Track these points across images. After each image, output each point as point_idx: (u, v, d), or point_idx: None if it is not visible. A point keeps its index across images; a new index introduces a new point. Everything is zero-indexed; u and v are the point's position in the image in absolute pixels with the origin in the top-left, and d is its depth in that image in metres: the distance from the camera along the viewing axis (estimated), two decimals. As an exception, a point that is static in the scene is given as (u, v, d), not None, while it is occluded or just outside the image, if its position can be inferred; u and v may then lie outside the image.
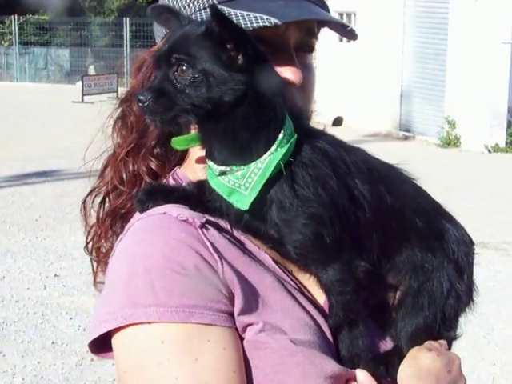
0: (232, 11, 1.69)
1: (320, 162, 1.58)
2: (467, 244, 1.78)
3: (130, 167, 1.86)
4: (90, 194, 1.95)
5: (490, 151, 18.98)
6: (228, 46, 1.53)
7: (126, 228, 1.69)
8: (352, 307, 1.62)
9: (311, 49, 1.83)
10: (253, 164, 1.55)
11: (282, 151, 1.55)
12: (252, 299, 1.58)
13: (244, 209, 1.56)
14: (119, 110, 1.91)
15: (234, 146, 1.57)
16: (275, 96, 1.58)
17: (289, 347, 1.56)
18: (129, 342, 1.55)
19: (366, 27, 19.70)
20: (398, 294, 1.72)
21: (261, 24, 1.64)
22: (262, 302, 1.59)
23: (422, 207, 1.74)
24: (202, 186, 1.66)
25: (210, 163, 1.61)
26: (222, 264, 1.57)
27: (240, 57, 1.53)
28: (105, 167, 1.93)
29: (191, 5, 1.75)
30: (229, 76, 1.52)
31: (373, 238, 1.65)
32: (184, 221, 1.61)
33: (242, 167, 1.56)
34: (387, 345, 1.73)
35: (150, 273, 1.54)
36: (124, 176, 1.87)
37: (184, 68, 1.54)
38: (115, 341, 1.57)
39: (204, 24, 1.57)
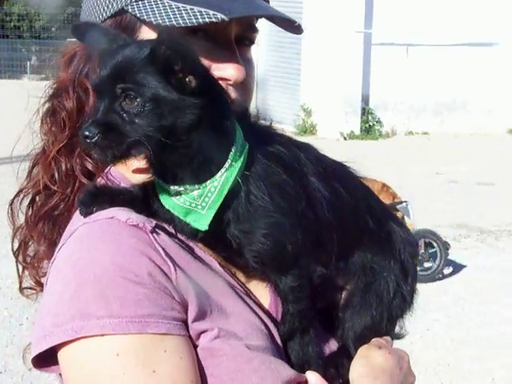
0: (173, 4, 1.61)
1: (275, 168, 1.53)
2: (412, 245, 1.79)
3: (63, 166, 1.74)
4: (17, 194, 1.83)
5: (345, 138, 19.39)
6: (177, 68, 1.44)
7: (67, 233, 1.58)
8: (306, 314, 1.59)
9: (252, 42, 1.77)
10: (209, 182, 1.50)
11: (236, 166, 1.50)
12: (206, 305, 1.51)
13: (203, 229, 1.50)
14: (47, 105, 1.79)
15: (188, 168, 1.50)
16: (227, 113, 1.52)
17: (245, 353, 1.51)
18: (80, 357, 1.45)
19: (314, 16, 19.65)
20: (345, 294, 1.70)
21: (207, 20, 1.56)
22: (216, 308, 1.53)
23: (372, 207, 1.73)
24: (147, 188, 1.58)
25: (162, 184, 1.53)
26: (175, 270, 1.49)
27: (192, 79, 1.45)
28: (33, 166, 1.81)
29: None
30: (182, 101, 1.44)
31: (332, 238, 1.62)
32: (134, 225, 1.52)
33: (198, 186, 1.50)
34: (332, 347, 1.70)
35: (101, 281, 1.45)
36: (56, 175, 1.75)
37: (132, 97, 1.44)
38: (64, 355, 1.47)
39: (147, 46, 1.47)
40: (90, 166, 1.73)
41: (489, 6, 18.83)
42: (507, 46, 19.21)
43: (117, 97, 1.44)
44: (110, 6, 1.69)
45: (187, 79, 1.44)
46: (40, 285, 1.86)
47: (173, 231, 1.57)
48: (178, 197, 1.51)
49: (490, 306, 8.01)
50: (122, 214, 1.52)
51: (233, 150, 1.50)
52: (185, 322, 1.48)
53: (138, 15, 1.63)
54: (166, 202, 1.52)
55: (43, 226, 1.79)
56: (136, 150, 1.46)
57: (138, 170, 1.62)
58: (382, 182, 8.95)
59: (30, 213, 1.80)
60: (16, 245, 1.85)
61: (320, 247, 1.60)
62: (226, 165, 1.49)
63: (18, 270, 1.87)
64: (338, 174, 1.66)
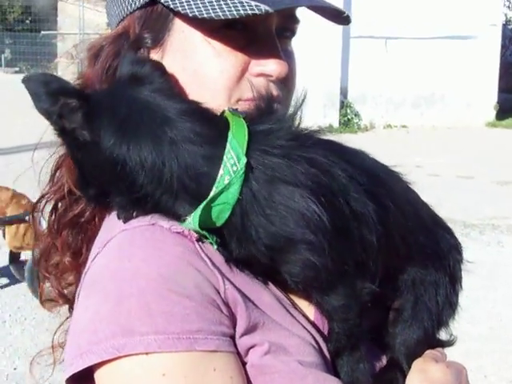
0: None
1: (289, 178, 1.35)
2: (459, 250, 1.68)
3: None
4: (39, 200, 1.69)
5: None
6: None
7: (101, 241, 1.45)
8: (355, 332, 1.47)
9: (293, 34, 1.64)
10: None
11: (212, 195, 1.34)
12: (255, 318, 1.39)
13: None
14: None
15: None
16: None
17: (298, 370, 1.39)
18: (122, 377, 1.31)
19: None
20: (395, 309, 1.60)
21: (249, 12, 1.42)
22: (265, 321, 1.41)
23: (422, 219, 1.60)
24: None
25: None
26: (223, 281, 1.37)
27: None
28: (56, 169, 1.67)
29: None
30: None
31: (377, 258, 1.48)
32: (178, 233, 1.39)
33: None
34: (383, 363, 1.60)
35: (145, 294, 1.31)
36: None
37: None
38: (103, 375, 1.33)
39: None
40: None
41: (468, 0, 18.82)
42: (485, 40, 19.25)
43: None
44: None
45: None
46: (63, 297, 1.73)
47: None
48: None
49: (479, 301, 7.97)
50: (163, 221, 1.40)
51: (220, 173, 1.35)
52: (232, 338, 1.36)
53: (172, 6, 1.50)
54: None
55: (68, 235, 1.66)
56: None
57: None
58: (12, 192, 7.61)
59: (52, 220, 1.67)
60: (37, 254, 1.73)
61: (364, 266, 1.46)
62: (211, 194, 1.34)
63: (39, 281, 1.75)
64: (383, 185, 1.51)
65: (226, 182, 1.33)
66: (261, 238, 1.35)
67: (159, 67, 1.49)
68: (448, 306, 1.63)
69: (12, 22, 32.94)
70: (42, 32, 29.04)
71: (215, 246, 1.38)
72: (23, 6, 31.59)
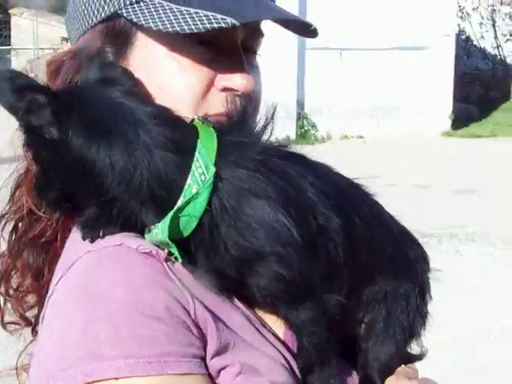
0: (175, 7, 1.44)
1: (259, 191, 1.33)
2: (426, 261, 1.69)
3: None
4: None
5: (281, 143, 19.34)
6: None
7: (65, 263, 1.40)
8: (325, 346, 1.45)
9: (258, 48, 1.63)
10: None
11: (179, 205, 1.32)
12: (226, 339, 1.37)
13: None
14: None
15: None
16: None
17: None
18: None
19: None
20: (366, 323, 1.59)
21: (215, 26, 1.39)
22: (236, 342, 1.38)
23: (388, 231, 1.60)
24: None
25: None
26: (193, 302, 1.34)
27: None
28: (16, 188, 1.63)
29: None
30: None
31: (344, 271, 1.47)
32: (146, 253, 1.36)
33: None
34: (355, 379, 1.58)
35: (114, 317, 1.28)
36: None
37: None
38: None
39: None
40: None
41: (420, 10, 18.97)
42: (439, 50, 19.43)
43: None
44: (101, 10, 1.52)
45: None
46: (25, 319, 1.70)
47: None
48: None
49: (439, 310, 8.00)
50: (131, 240, 1.36)
51: (188, 183, 1.33)
52: (203, 359, 1.34)
53: (135, 20, 1.47)
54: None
55: (28, 256, 1.62)
56: None
57: None
58: None
59: (12, 241, 1.63)
60: None
61: (334, 277, 1.46)
62: (179, 203, 1.32)
63: None
64: (349, 198, 1.50)
65: (194, 191, 1.30)
66: (229, 250, 1.33)
67: (128, 72, 1.47)
68: (419, 317, 1.62)
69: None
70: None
71: (180, 260, 1.35)
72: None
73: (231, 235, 1.33)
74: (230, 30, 1.45)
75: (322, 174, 1.47)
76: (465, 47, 23.82)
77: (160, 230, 1.32)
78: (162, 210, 1.32)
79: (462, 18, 23.61)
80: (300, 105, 19.58)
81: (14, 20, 28.42)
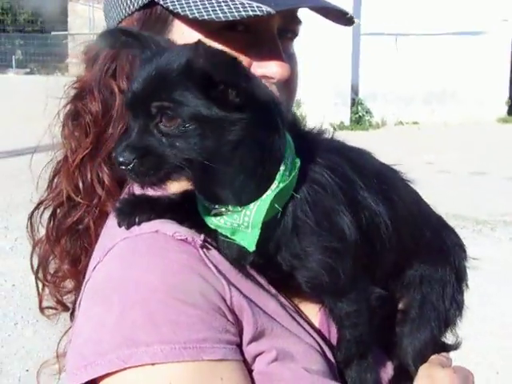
0: None
1: (323, 194, 1.39)
2: (463, 248, 1.69)
3: (88, 175, 1.60)
4: (37, 207, 1.69)
5: (335, 129, 19.25)
6: (217, 80, 1.27)
7: (102, 249, 1.42)
8: (364, 339, 1.47)
9: (295, 35, 1.63)
10: (252, 205, 1.35)
11: (283, 187, 1.34)
12: (262, 325, 1.38)
13: (251, 249, 1.35)
14: (69, 108, 1.63)
15: (230, 189, 1.35)
16: (276, 127, 1.35)
17: (305, 378, 1.38)
18: None
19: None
20: (401, 307, 1.59)
21: (251, 13, 1.40)
22: (273, 328, 1.40)
23: (426, 215, 1.62)
24: (189, 197, 1.43)
25: (204, 201, 1.39)
26: (229, 288, 1.36)
27: (234, 92, 1.27)
28: (54, 175, 1.66)
29: None
30: (225, 118, 1.27)
31: (389, 256, 1.50)
32: (182, 240, 1.37)
33: (240, 209, 1.35)
34: (389, 369, 1.59)
35: (149, 303, 1.29)
36: (80, 185, 1.60)
37: (169, 117, 1.28)
38: None
39: (183, 55, 1.29)
40: (106, 179, 1.58)
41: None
42: (496, 35, 19.15)
43: (152, 116, 1.29)
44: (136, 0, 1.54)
45: (229, 93, 1.28)
46: (62, 305, 1.74)
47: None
48: (218, 217, 1.36)
49: (491, 297, 7.94)
50: (167, 227, 1.38)
51: (281, 169, 1.34)
52: (239, 346, 1.35)
53: (171, 8, 1.48)
54: (209, 220, 1.38)
55: (66, 242, 1.65)
56: (176, 175, 1.31)
57: None
58: None
59: (51, 227, 1.66)
60: (35, 261, 1.72)
61: (378, 266, 1.48)
62: (273, 186, 1.33)
63: (37, 288, 1.74)
64: (390, 183, 1.54)
65: (286, 177, 1.34)
66: (295, 244, 1.38)
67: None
68: (455, 306, 1.62)
69: (23, 23, 32.95)
70: (53, 33, 29.05)
71: (253, 249, 1.36)
72: (34, 7, 31.62)
73: (304, 227, 1.37)
74: (266, 18, 1.46)
75: (365, 161, 1.51)
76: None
77: (256, 210, 1.34)
78: (257, 190, 1.34)
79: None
80: (354, 91, 19.50)
81: (70, 6, 28.70)
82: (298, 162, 1.37)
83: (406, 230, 1.53)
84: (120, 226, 1.42)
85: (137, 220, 1.41)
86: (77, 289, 1.67)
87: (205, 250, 1.38)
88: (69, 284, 1.71)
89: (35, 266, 1.73)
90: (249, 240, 1.35)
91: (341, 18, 1.59)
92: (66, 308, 1.74)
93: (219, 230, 1.38)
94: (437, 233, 1.63)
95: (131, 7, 1.56)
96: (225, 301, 1.35)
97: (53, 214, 1.67)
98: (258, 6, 1.40)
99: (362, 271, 1.43)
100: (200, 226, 1.41)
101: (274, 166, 1.34)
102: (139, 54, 1.38)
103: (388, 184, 1.52)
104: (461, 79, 19.26)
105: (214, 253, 1.40)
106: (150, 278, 1.32)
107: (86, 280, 1.43)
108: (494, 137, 17.67)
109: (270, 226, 1.36)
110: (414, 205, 1.58)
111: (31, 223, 1.71)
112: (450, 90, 19.60)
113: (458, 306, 1.64)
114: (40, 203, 1.69)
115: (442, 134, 18.08)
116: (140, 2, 1.54)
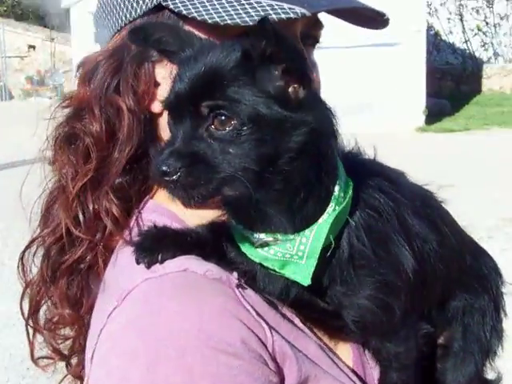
0: (253, 0, 1.28)
1: (377, 217, 1.24)
2: (500, 274, 1.56)
3: (90, 206, 1.39)
4: (30, 244, 1.49)
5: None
6: (277, 73, 1.10)
7: (118, 292, 1.23)
8: (409, 381, 1.33)
9: (316, 41, 1.51)
10: (307, 231, 1.17)
11: (340, 210, 1.18)
12: (306, 371, 1.23)
13: (306, 283, 1.17)
14: (63, 129, 1.44)
15: (282, 210, 1.16)
16: (331, 137, 1.20)
17: None
18: None
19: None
20: (443, 340, 1.46)
21: (282, 16, 1.24)
22: (315, 375, 1.25)
23: (465, 239, 1.49)
24: (218, 230, 1.25)
25: (243, 230, 1.20)
26: (271, 334, 1.19)
27: (299, 88, 1.11)
28: (48, 208, 1.46)
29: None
30: (289, 118, 1.10)
31: (437, 287, 1.37)
32: (216, 279, 1.20)
33: (292, 236, 1.17)
34: None
35: (185, 355, 1.11)
36: (81, 217, 1.40)
37: (223, 119, 1.10)
38: None
39: (236, 47, 1.12)
40: (114, 209, 1.38)
41: (389, 6, 18.94)
42: (410, 46, 19.44)
43: (202, 118, 1.11)
44: (141, 2, 1.36)
45: (292, 88, 1.11)
46: (59, 353, 1.54)
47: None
48: (264, 248, 1.18)
49: None
50: (196, 265, 1.20)
51: (336, 189, 1.18)
52: None
53: (185, 12, 1.30)
54: (252, 252, 1.20)
55: (66, 284, 1.45)
56: (230, 188, 1.11)
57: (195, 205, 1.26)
58: None
59: (46, 267, 1.46)
60: (26, 304, 1.52)
61: (426, 299, 1.35)
62: (329, 209, 1.17)
63: (28, 335, 1.53)
64: (432, 206, 1.41)
65: (342, 199, 1.19)
66: (350, 277, 1.22)
67: None
68: (495, 334, 1.50)
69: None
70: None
71: (308, 283, 1.19)
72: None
73: (360, 258, 1.22)
74: (290, 22, 1.32)
75: (406, 183, 1.39)
76: (434, 42, 23.88)
77: (314, 237, 1.17)
78: (313, 213, 1.18)
79: (430, 13, 23.64)
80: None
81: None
82: (351, 184, 1.22)
83: (452, 257, 1.40)
84: (138, 263, 1.22)
85: (160, 257, 1.21)
86: (79, 335, 1.49)
87: (240, 289, 1.22)
88: (66, 330, 1.53)
89: (25, 311, 1.53)
90: (303, 273, 1.18)
91: (372, 20, 1.47)
92: (63, 357, 1.55)
93: (265, 264, 1.20)
94: (475, 257, 1.50)
95: (133, 13, 1.38)
96: (266, 347, 1.19)
97: (48, 252, 1.46)
98: (290, 8, 1.26)
99: (411, 306, 1.29)
100: (231, 262, 1.24)
101: (330, 184, 1.18)
102: (176, 53, 1.21)
103: (430, 207, 1.39)
104: (379, 90, 19.45)
105: (249, 292, 1.23)
106: (182, 325, 1.14)
107: (99, 327, 1.24)
108: (413, 146, 17.87)
109: (322, 257, 1.20)
110: (454, 228, 1.45)
111: (22, 263, 1.51)
112: (368, 100, 19.78)
113: (497, 334, 1.51)
114: (33, 240, 1.49)
115: (361, 145, 18.20)
116: (144, 7, 1.37)
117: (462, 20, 23.97)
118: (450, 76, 23.42)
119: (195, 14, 1.29)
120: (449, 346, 1.45)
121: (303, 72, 1.13)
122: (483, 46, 24.44)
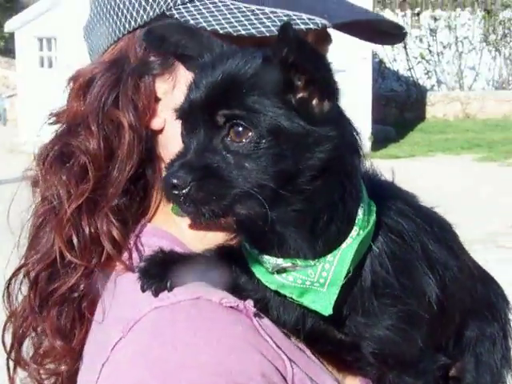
0: (243, 6, 1.23)
1: (401, 242, 1.18)
2: (506, 299, 1.51)
3: (86, 229, 1.29)
4: (17, 271, 1.38)
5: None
6: (300, 84, 1.04)
7: (124, 322, 1.13)
8: None
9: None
10: (330, 256, 1.10)
11: (364, 235, 1.11)
12: None
13: (327, 313, 1.10)
14: (53, 147, 1.34)
15: (301, 233, 1.09)
16: (355, 155, 1.14)
17: None
18: None
19: (67, 52, 19.04)
20: (454, 372, 1.40)
21: (302, 27, 1.19)
22: None
23: (476, 265, 1.43)
24: (227, 255, 1.18)
25: (256, 254, 1.12)
26: (291, 366, 1.12)
27: (324, 100, 1.05)
28: (36, 232, 1.36)
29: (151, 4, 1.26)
30: (311, 132, 1.04)
31: (454, 316, 1.32)
32: (233, 308, 1.11)
33: (313, 262, 1.10)
34: None
35: None
36: (75, 242, 1.30)
37: (240, 130, 1.03)
38: None
39: (257, 55, 1.06)
40: (115, 232, 1.28)
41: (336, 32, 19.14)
42: (357, 73, 19.61)
43: (218, 128, 1.04)
44: (142, 12, 1.26)
45: (316, 100, 1.05)
46: None
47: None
48: (284, 274, 1.11)
49: None
50: (210, 292, 1.11)
51: (360, 212, 1.11)
52: None
53: (192, 22, 1.21)
54: (268, 278, 1.12)
55: (57, 315, 1.34)
56: (244, 206, 1.03)
57: (197, 226, 1.20)
58: None
59: (34, 295, 1.35)
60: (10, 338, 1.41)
61: (444, 330, 1.29)
62: (354, 233, 1.10)
63: (8, 369, 1.42)
64: (447, 230, 1.35)
65: (367, 225, 1.13)
66: (372, 307, 1.16)
67: None
68: (506, 363, 1.45)
69: None
70: None
71: (330, 313, 1.12)
72: None
73: (384, 286, 1.16)
74: (302, 33, 1.24)
75: (421, 205, 1.33)
76: (379, 70, 24.12)
77: (337, 263, 1.09)
78: (336, 237, 1.11)
79: (375, 41, 23.86)
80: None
81: None
82: (375, 208, 1.15)
83: (467, 285, 1.35)
84: (144, 290, 1.13)
85: (169, 284, 1.12)
86: (70, 369, 1.38)
87: (258, 318, 1.13)
88: (51, 364, 1.41)
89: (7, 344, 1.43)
90: (324, 302, 1.10)
91: (387, 35, 1.40)
92: None
93: (282, 291, 1.12)
94: (484, 284, 1.45)
95: (132, 23, 1.29)
96: (286, 381, 1.11)
97: (36, 279, 1.35)
98: (309, 19, 1.20)
99: (431, 337, 1.23)
100: (243, 289, 1.17)
101: (354, 206, 1.12)
102: (194, 59, 1.13)
103: (446, 231, 1.34)
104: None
105: (266, 321, 1.15)
106: (199, 358, 1.05)
107: (101, 361, 1.14)
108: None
109: (344, 284, 1.13)
110: (466, 253, 1.39)
111: (8, 292, 1.39)
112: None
113: (507, 364, 1.46)
114: (20, 267, 1.38)
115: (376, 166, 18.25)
116: (146, 17, 1.27)
117: (405, 48, 24.23)
118: (395, 103, 23.65)
119: (204, 24, 1.22)
120: (461, 378, 1.39)
121: (328, 83, 1.07)
122: (427, 73, 24.76)
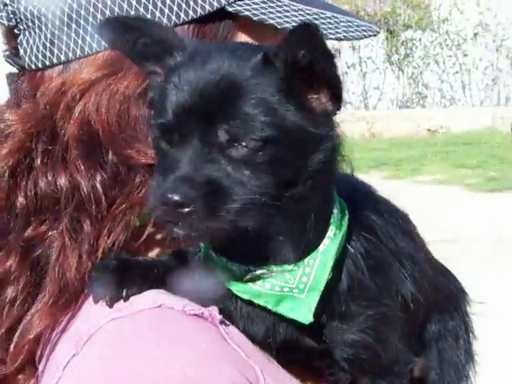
0: (305, 8, 1.20)
1: (375, 242, 1.16)
2: (464, 291, 1.49)
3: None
4: None
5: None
6: (312, 84, 1.00)
7: (74, 336, 1.01)
8: None
9: None
10: (308, 259, 1.05)
11: (340, 236, 1.08)
12: None
13: (307, 321, 1.03)
14: None
15: (289, 238, 1.04)
16: (339, 149, 1.16)
17: None
18: None
19: None
20: (419, 367, 1.33)
21: (364, 34, 1.22)
22: None
23: (437, 262, 1.43)
24: (185, 260, 1.07)
25: (227, 263, 1.03)
26: (262, 376, 1.04)
27: (331, 102, 1.02)
28: None
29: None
30: (315, 133, 1.01)
31: (422, 313, 1.30)
32: (197, 315, 1.02)
33: (291, 267, 1.04)
34: None
35: None
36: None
37: (243, 143, 0.98)
38: None
39: (255, 49, 0.99)
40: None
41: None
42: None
43: (216, 138, 0.96)
44: (198, 7, 1.16)
45: (319, 98, 1.01)
46: None
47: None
48: (259, 282, 1.03)
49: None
50: (171, 300, 1.02)
51: (335, 211, 1.09)
52: None
53: (255, 18, 1.16)
54: (240, 288, 1.03)
55: None
56: (250, 219, 0.96)
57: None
58: None
59: None
60: None
61: (414, 328, 1.27)
62: (330, 233, 1.07)
63: None
64: (408, 222, 1.36)
65: (344, 224, 1.11)
66: (349, 310, 1.09)
67: None
68: (469, 358, 1.41)
69: None
70: None
71: (311, 320, 1.05)
72: None
73: (359, 288, 1.12)
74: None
75: (388, 201, 1.34)
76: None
77: (318, 266, 1.03)
78: (316, 238, 1.07)
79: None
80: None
81: None
82: (345, 205, 1.14)
83: (431, 276, 1.33)
84: (96, 301, 1.01)
85: (124, 293, 1.00)
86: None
87: (224, 326, 1.05)
88: None
89: None
90: (303, 309, 1.02)
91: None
92: None
93: (256, 301, 1.03)
94: (445, 276, 1.44)
95: (183, 16, 1.17)
96: None
97: None
98: (368, 27, 1.22)
99: (406, 340, 1.20)
100: (208, 297, 1.08)
101: (331, 206, 1.10)
102: (161, 57, 1.01)
103: (407, 222, 1.34)
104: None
105: (233, 329, 1.07)
106: (164, 372, 0.93)
107: (54, 380, 1.02)
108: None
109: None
110: (429, 254, 1.40)
111: None
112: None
113: (471, 357, 1.42)
114: None
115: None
116: (198, 13, 1.16)
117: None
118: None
119: (273, 21, 1.15)
120: (426, 375, 1.32)
121: (338, 84, 1.04)
122: (332, 93, 25.22)
